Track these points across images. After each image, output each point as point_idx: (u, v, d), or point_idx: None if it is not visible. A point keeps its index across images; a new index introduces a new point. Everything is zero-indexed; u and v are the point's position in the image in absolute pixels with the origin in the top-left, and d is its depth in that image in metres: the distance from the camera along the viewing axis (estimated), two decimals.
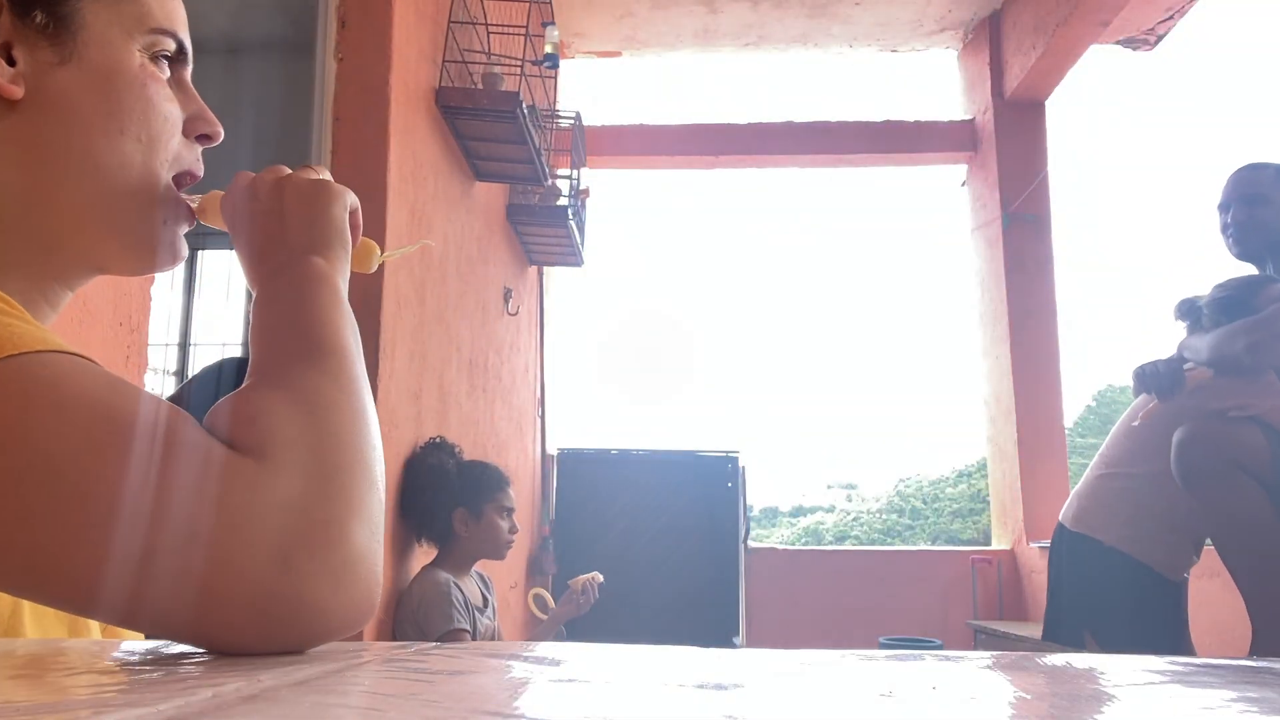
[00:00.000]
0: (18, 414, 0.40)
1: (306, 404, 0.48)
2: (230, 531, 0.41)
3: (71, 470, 0.40)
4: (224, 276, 4.59)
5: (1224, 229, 2.45)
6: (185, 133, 0.62)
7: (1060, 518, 2.54)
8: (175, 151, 0.61)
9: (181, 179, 0.63)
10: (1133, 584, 2.27)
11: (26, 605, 0.56)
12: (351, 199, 0.63)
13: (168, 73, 0.61)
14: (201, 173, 0.64)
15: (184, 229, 0.63)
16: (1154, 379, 2.28)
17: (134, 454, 0.41)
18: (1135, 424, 2.35)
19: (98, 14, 0.57)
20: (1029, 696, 0.35)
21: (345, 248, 0.61)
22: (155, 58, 0.60)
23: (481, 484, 2.70)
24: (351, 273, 0.63)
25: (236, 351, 4.43)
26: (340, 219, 0.61)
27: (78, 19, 0.56)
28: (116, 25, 0.57)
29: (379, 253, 0.69)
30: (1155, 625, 2.26)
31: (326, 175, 0.63)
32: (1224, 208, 2.45)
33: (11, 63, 0.54)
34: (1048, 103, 5.12)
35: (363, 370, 0.54)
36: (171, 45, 0.61)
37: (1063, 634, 2.44)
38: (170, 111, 0.60)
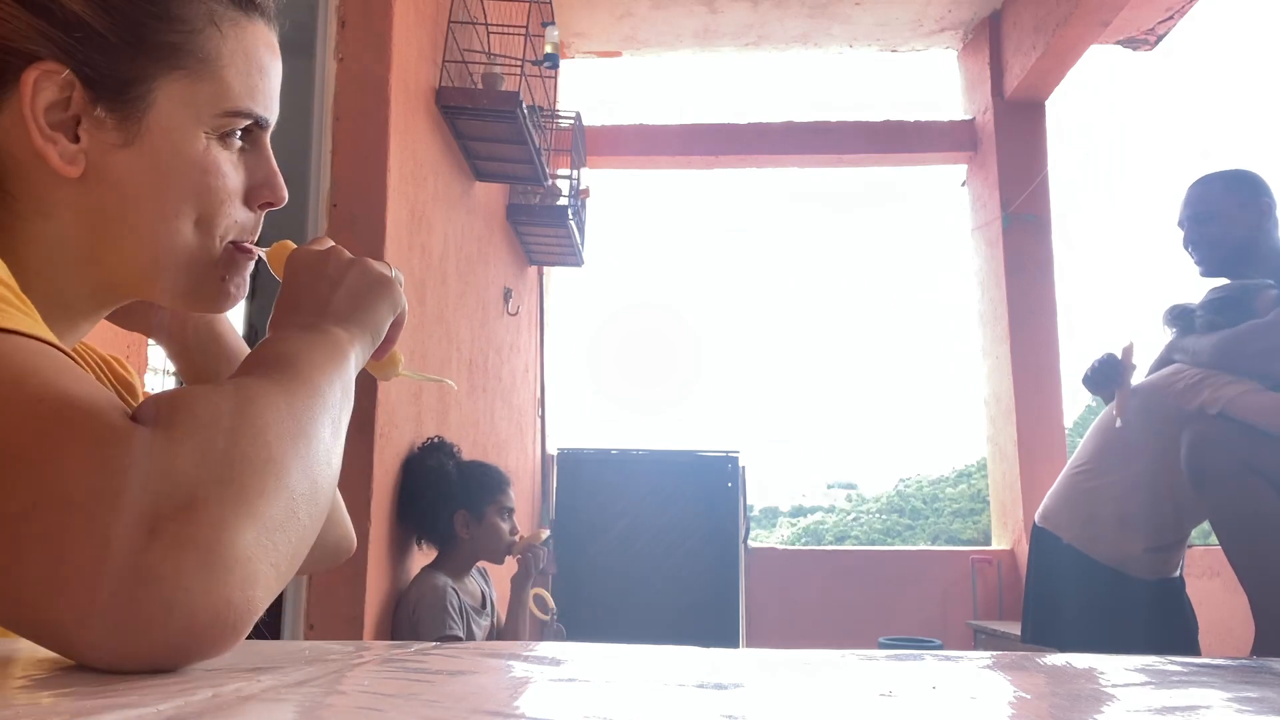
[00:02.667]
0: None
1: (235, 395, 0.46)
2: (100, 494, 0.38)
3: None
4: None
5: (1183, 246, 2.45)
6: (248, 202, 0.65)
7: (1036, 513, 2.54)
8: (234, 221, 0.63)
9: (239, 245, 0.65)
10: (1087, 580, 2.27)
11: None
12: (402, 306, 0.65)
13: (238, 145, 0.63)
14: (256, 237, 0.67)
15: (246, 274, 0.66)
16: (1089, 380, 2.44)
17: (43, 429, 0.40)
18: (1117, 425, 2.34)
19: (170, 96, 0.58)
20: (1029, 696, 0.35)
21: (372, 340, 0.62)
22: (225, 135, 0.61)
23: (482, 485, 2.70)
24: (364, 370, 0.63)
25: None
26: (384, 316, 0.63)
27: (148, 100, 0.58)
28: (189, 108, 0.59)
29: (400, 365, 0.71)
30: (1110, 622, 2.25)
31: (397, 274, 0.65)
32: (1180, 225, 2.44)
33: (76, 139, 0.56)
34: (1048, 103, 5.12)
35: (333, 412, 0.52)
36: (245, 123, 0.62)
37: (1028, 631, 2.45)
38: (229, 190, 0.62)
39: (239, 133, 0.62)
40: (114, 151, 0.57)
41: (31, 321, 0.45)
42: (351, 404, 0.55)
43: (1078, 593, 2.29)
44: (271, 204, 0.66)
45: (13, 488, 0.38)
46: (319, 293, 0.61)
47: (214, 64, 0.60)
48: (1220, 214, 2.35)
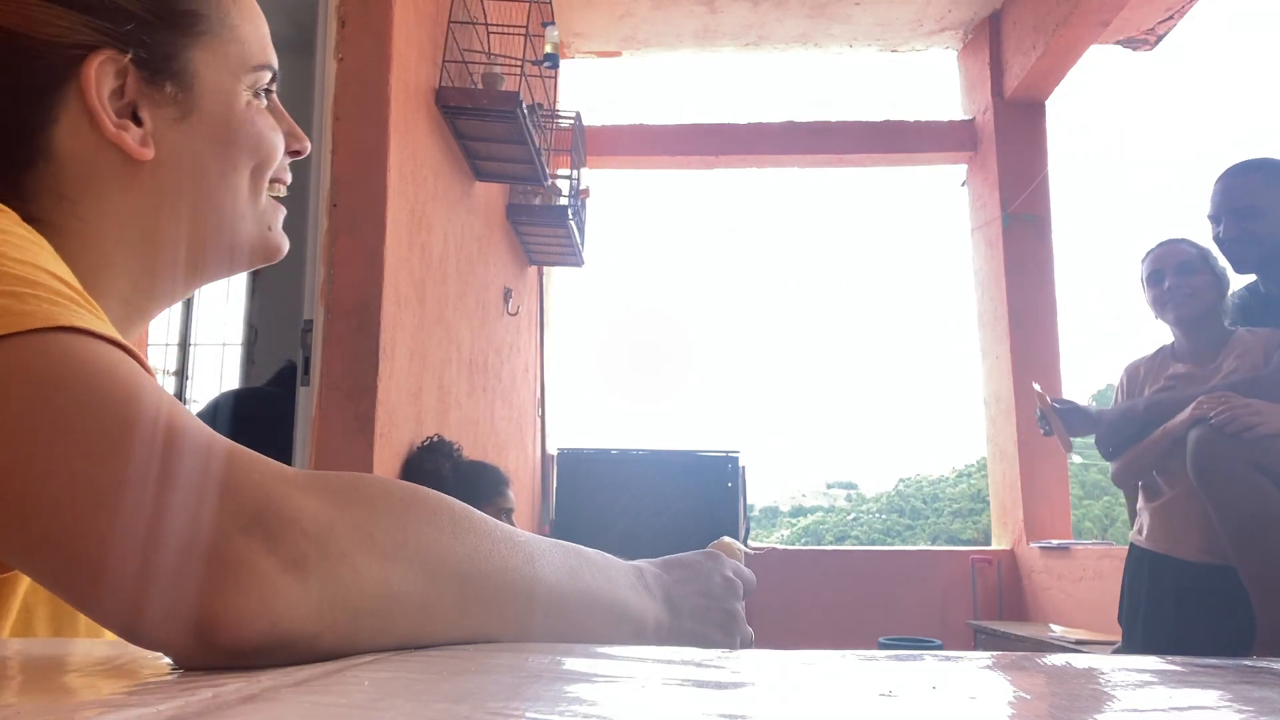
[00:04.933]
0: (40, 393, 0.39)
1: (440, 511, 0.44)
2: (207, 496, 0.38)
3: (77, 458, 0.38)
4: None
5: (1216, 241, 2.34)
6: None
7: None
8: (275, 172, 0.66)
9: (274, 186, 0.67)
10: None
11: (43, 605, 0.56)
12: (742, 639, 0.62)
13: (265, 102, 0.65)
14: (289, 178, 0.69)
15: (280, 223, 0.68)
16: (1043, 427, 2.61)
17: (135, 447, 0.39)
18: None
19: (207, 63, 0.60)
20: (1029, 696, 0.35)
21: (666, 638, 0.57)
22: (257, 93, 0.64)
23: (482, 485, 2.70)
24: None
25: (236, 353, 4.42)
26: (707, 639, 0.59)
27: (192, 71, 0.59)
28: (225, 70, 0.61)
29: None
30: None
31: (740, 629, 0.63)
32: (1214, 219, 2.33)
33: (139, 123, 0.58)
34: (1048, 103, 5.12)
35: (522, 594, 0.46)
36: (268, 77, 0.65)
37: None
38: (275, 140, 0.65)
39: (264, 94, 0.65)
40: (175, 126, 0.59)
41: (103, 324, 0.44)
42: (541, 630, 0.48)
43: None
44: (299, 152, 0.68)
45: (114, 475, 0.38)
46: (691, 580, 0.60)
47: (230, 25, 0.62)
48: (1265, 209, 2.24)
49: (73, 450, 0.38)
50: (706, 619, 0.59)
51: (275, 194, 0.67)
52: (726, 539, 0.76)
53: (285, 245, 0.68)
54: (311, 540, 0.38)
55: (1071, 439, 2.59)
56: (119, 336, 0.44)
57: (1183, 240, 2.46)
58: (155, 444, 0.39)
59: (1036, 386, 2.68)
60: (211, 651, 0.37)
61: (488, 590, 0.44)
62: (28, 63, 0.54)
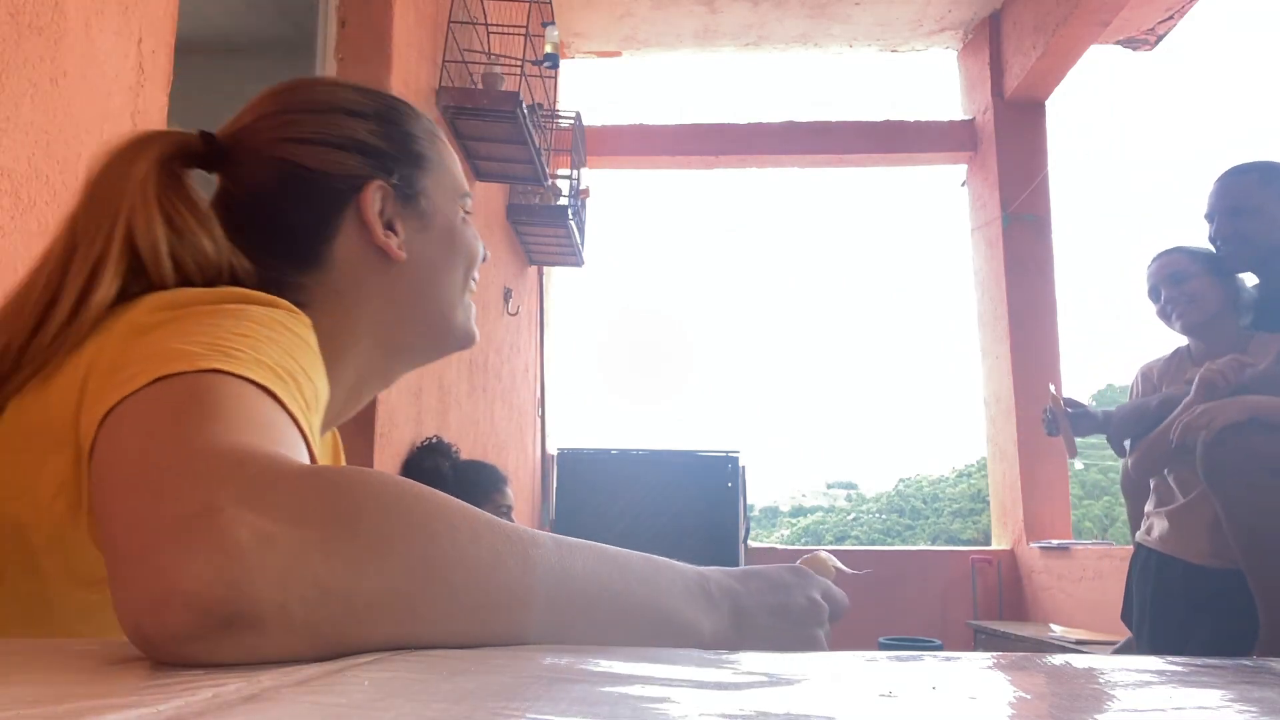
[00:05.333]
0: (167, 419, 0.46)
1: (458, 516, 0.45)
2: (182, 474, 0.42)
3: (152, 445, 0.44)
4: None
5: (1210, 240, 2.36)
6: None
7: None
8: (476, 274, 0.84)
9: (472, 285, 0.85)
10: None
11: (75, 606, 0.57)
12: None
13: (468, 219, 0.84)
14: (479, 278, 0.86)
15: (474, 316, 0.86)
16: (1048, 428, 2.61)
17: (195, 438, 0.44)
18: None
19: (435, 189, 0.79)
20: (1029, 696, 0.35)
21: (739, 634, 0.56)
22: (464, 211, 0.82)
23: (479, 484, 2.70)
24: None
25: None
26: (776, 643, 0.58)
27: (427, 196, 0.78)
28: (446, 196, 0.80)
29: None
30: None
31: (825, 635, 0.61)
32: (1209, 218, 2.35)
33: (395, 234, 0.75)
34: (1048, 103, 5.12)
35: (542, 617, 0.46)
36: (470, 201, 0.83)
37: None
38: (479, 247, 0.83)
39: (467, 214, 0.82)
40: (418, 236, 0.76)
41: (300, 409, 0.52)
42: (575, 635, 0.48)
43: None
44: (483, 260, 0.84)
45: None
46: (769, 594, 0.58)
47: (445, 164, 0.80)
48: (1257, 208, 2.25)
49: (136, 446, 0.45)
50: (779, 639, 0.57)
51: (471, 290, 0.84)
52: (822, 554, 0.70)
53: (478, 335, 0.86)
54: (288, 522, 0.39)
55: (1077, 440, 2.59)
56: (298, 413, 0.51)
57: (1174, 250, 2.46)
58: (185, 443, 0.43)
59: (1053, 388, 2.67)
60: (161, 631, 0.37)
61: (475, 594, 0.44)
62: (323, 192, 0.72)
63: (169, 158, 0.67)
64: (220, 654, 0.37)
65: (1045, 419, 2.59)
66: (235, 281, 0.67)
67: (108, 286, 0.61)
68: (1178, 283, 2.40)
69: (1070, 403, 2.60)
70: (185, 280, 0.64)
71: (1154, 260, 2.49)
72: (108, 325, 0.58)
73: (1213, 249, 2.38)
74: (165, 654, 0.38)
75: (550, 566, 0.47)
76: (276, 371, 0.52)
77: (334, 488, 0.42)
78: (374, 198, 0.73)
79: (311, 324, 0.62)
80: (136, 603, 0.38)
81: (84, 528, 0.53)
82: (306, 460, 0.48)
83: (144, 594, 0.38)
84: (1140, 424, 2.41)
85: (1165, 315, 2.44)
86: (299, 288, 0.71)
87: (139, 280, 0.63)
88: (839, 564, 0.69)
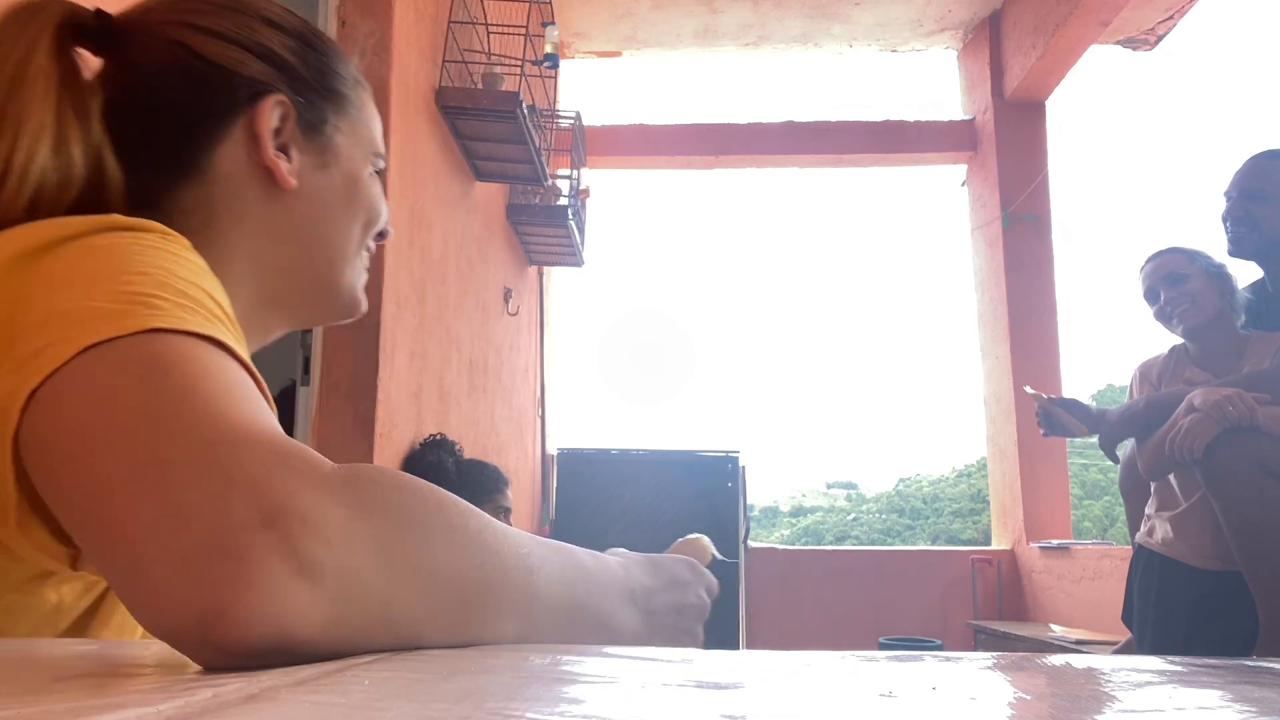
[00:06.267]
0: (137, 401, 0.42)
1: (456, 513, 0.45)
2: (232, 485, 0.38)
3: (131, 444, 0.40)
4: None
5: (1222, 219, 2.34)
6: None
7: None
8: (370, 238, 0.77)
9: (365, 251, 0.78)
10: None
11: (103, 613, 0.57)
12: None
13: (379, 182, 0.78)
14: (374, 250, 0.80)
15: (363, 285, 0.78)
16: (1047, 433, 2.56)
17: (183, 436, 0.40)
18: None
19: (346, 136, 0.73)
20: (1029, 696, 0.35)
21: (648, 633, 0.58)
22: (374, 172, 0.76)
23: (481, 484, 2.71)
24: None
25: None
26: (671, 640, 0.61)
27: (334, 138, 0.72)
28: (357, 147, 0.73)
29: None
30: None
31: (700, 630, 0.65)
32: (1227, 195, 2.33)
33: (287, 158, 0.68)
34: (1048, 103, 5.12)
35: (518, 612, 0.47)
36: (381, 164, 0.77)
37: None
38: (383, 208, 0.76)
39: (377, 175, 0.77)
40: (315, 173, 0.69)
41: (234, 341, 0.47)
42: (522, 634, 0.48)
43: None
44: (384, 234, 0.77)
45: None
46: (671, 592, 0.61)
47: (361, 111, 0.74)
48: (1273, 196, 2.24)
49: (125, 437, 0.40)
50: (673, 636, 0.60)
51: (365, 256, 0.77)
52: (702, 539, 0.74)
53: (365, 306, 0.77)
54: (331, 549, 0.38)
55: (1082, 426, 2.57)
56: (244, 355, 0.47)
57: (1170, 250, 2.44)
58: (195, 432, 0.40)
59: (1029, 389, 2.65)
60: (210, 647, 0.36)
61: (484, 606, 0.45)
62: (217, 88, 0.65)
63: (61, 29, 0.60)
64: (261, 666, 0.37)
65: (1039, 419, 2.57)
66: (99, 190, 0.60)
67: None
68: (1176, 283, 2.38)
69: (1057, 399, 2.59)
70: (34, 200, 0.57)
71: (1149, 261, 2.47)
72: None
73: (1206, 248, 2.38)
74: (206, 664, 0.37)
75: (549, 576, 0.49)
76: (205, 314, 0.48)
77: (371, 508, 0.41)
78: (272, 111, 0.66)
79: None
80: (179, 622, 0.36)
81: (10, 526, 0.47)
82: (272, 415, 0.45)
83: (192, 615, 0.36)
84: (1131, 426, 2.39)
85: (1165, 317, 2.42)
86: (170, 201, 0.64)
87: None
88: (715, 551, 0.73)
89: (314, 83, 0.69)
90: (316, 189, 0.70)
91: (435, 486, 0.45)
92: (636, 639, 0.56)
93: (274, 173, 0.66)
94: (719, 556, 0.73)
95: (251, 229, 0.67)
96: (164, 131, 0.64)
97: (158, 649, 0.43)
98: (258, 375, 0.48)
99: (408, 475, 0.45)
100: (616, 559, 0.59)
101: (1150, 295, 2.45)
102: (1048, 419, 2.54)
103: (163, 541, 0.37)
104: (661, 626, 0.59)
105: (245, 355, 0.48)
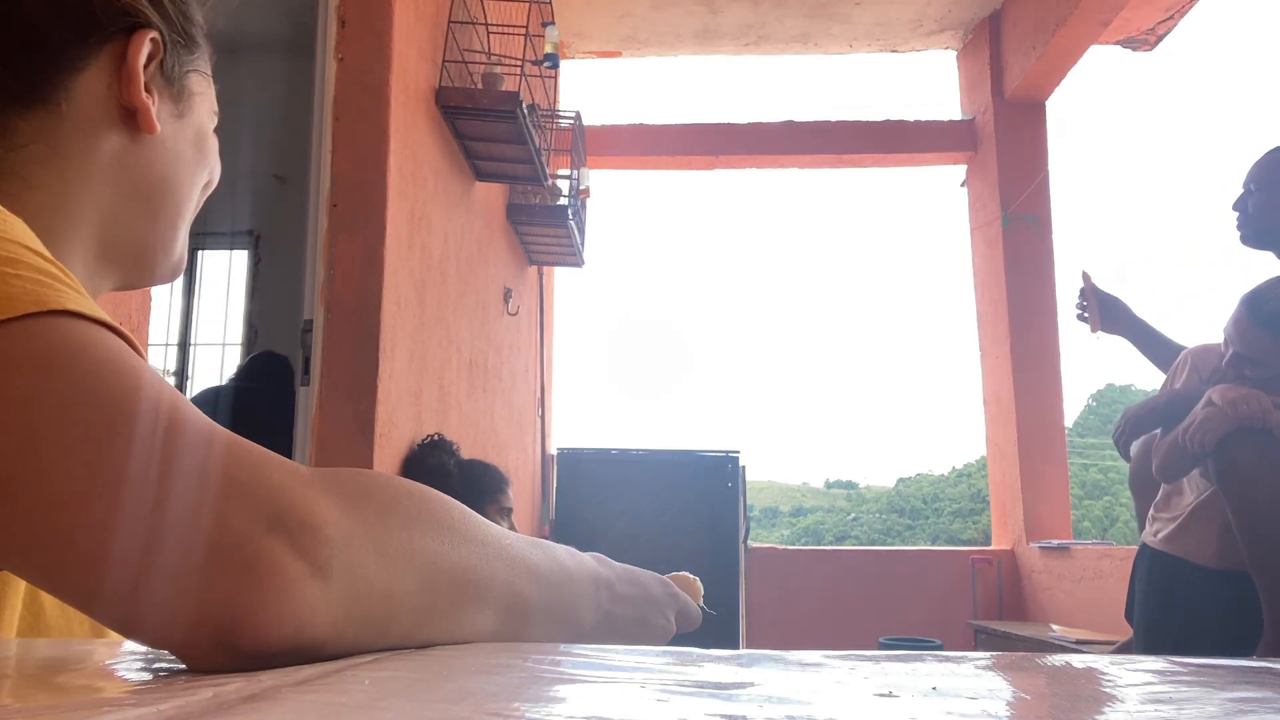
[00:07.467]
0: (37, 381, 0.37)
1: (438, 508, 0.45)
2: (227, 495, 0.37)
3: (80, 451, 0.36)
4: (223, 277, 4.59)
5: (1234, 207, 2.31)
6: None
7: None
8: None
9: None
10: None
11: (51, 604, 0.55)
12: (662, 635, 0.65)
13: None
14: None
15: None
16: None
17: (140, 440, 0.38)
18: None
19: (199, 90, 0.69)
20: (1029, 696, 0.35)
21: (606, 637, 0.59)
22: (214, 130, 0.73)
23: (482, 484, 2.70)
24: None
25: (236, 354, 4.42)
26: (638, 634, 0.63)
27: (191, 90, 0.67)
28: (206, 103, 0.70)
29: None
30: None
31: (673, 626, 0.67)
32: (1245, 185, 2.31)
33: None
34: (1048, 103, 5.12)
35: (496, 601, 0.47)
36: (215, 123, 0.74)
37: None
38: (218, 165, 0.72)
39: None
40: (172, 121, 0.64)
41: (93, 306, 0.42)
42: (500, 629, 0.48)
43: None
44: (210, 183, 0.73)
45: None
46: (637, 601, 0.62)
47: (209, 78, 0.71)
48: (1271, 186, 2.23)
49: (74, 441, 0.36)
50: (637, 629, 0.62)
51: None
52: (696, 582, 0.74)
53: (183, 268, 0.73)
54: (334, 547, 0.38)
55: (1102, 328, 2.59)
56: (112, 320, 0.42)
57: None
58: (159, 436, 0.38)
59: (1085, 270, 2.68)
60: (229, 653, 0.36)
61: (472, 596, 0.45)
62: (89, 9, 0.58)
63: None
64: (269, 667, 0.37)
65: (1077, 303, 2.61)
66: None
67: None
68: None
69: (1104, 293, 2.62)
70: None
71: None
72: None
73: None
74: (215, 670, 0.36)
75: (534, 576, 0.50)
76: (70, 291, 0.41)
77: (359, 504, 0.41)
78: (145, 47, 0.60)
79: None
80: (193, 637, 0.36)
81: None
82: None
83: (209, 628, 0.35)
84: (1149, 421, 2.36)
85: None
86: (12, 136, 0.56)
87: None
88: (700, 602, 0.72)
89: (179, 25, 0.64)
90: (172, 139, 0.64)
91: (409, 480, 0.45)
92: (595, 640, 0.56)
93: (140, 114, 0.60)
94: (705, 608, 0.72)
95: (101, 174, 0.60)
96: (19, 49, 0.56)
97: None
98: (137, 344, 0.43)
99: (380, 472, 0.45)
100: (595, 559, 0.60)
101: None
102: (1082, 301, 2.59)
103: (159, 556, 0.36)
104: (619, 634, 0.60)
105: (109, 319, 0.42)
